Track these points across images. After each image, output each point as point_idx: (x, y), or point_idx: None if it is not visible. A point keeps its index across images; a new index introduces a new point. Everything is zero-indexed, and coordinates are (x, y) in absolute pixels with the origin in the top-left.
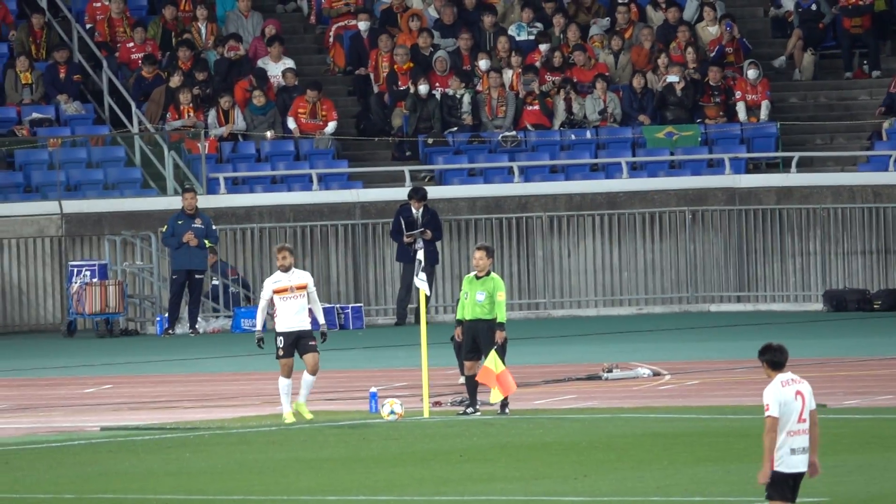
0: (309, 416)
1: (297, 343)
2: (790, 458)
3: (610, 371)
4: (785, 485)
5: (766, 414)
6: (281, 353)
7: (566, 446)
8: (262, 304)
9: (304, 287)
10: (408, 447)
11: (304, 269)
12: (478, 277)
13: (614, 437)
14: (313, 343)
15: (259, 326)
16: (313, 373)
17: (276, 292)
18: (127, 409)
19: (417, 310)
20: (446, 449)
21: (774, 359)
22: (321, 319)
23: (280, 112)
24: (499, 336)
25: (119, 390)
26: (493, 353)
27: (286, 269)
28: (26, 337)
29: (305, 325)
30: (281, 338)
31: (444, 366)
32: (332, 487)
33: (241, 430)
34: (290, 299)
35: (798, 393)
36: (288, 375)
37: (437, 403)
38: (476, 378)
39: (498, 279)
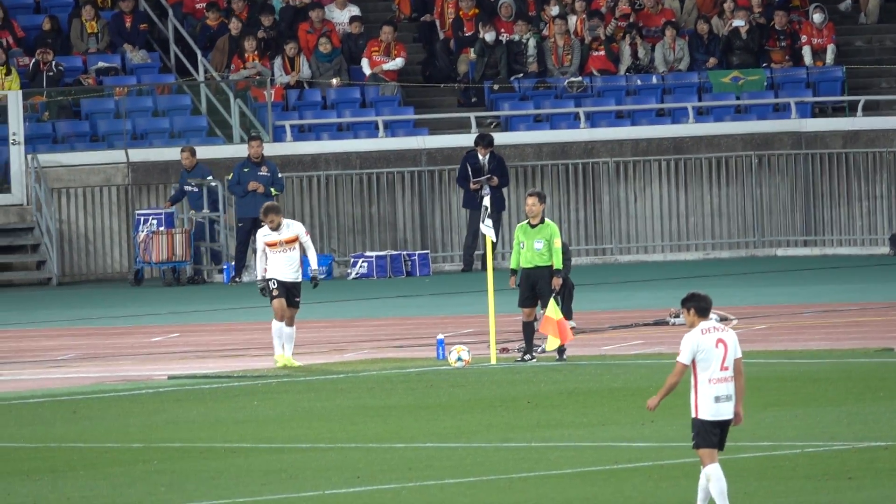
0: (298, 364)
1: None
2: (714, 405)
3: (677, 316)
4: (711, 433)
5: (677, 359)
6: (275, 293)
7: (633, 392)
8: (259, 254)
9: (295, 240)
10: (475, 394)
11: (370, 217)
12: (532, 225)
13: (681, 383)
14: (297, 300)
15: (260, 276)
16: (291, 325)
17: (267, 245)
18: (194, 357)
19: (484, 256)
20: (513, 395)
21: (700, 305)
22: (314, 265)
23: (345, 60)
24: (555, 282)
25: (186, 339)
26: (552, 301)
27: (276, 229)
28: (93, 286)
29: (294, 277)
30: (274, 281)
31: (510, 312)
32: (400, 435)
33: (308, 378)
34: (280, 253)
35: (720, 341)
36: (281, 318)
37: (504, 350)
38: (540, 328)
39: (553, 226)
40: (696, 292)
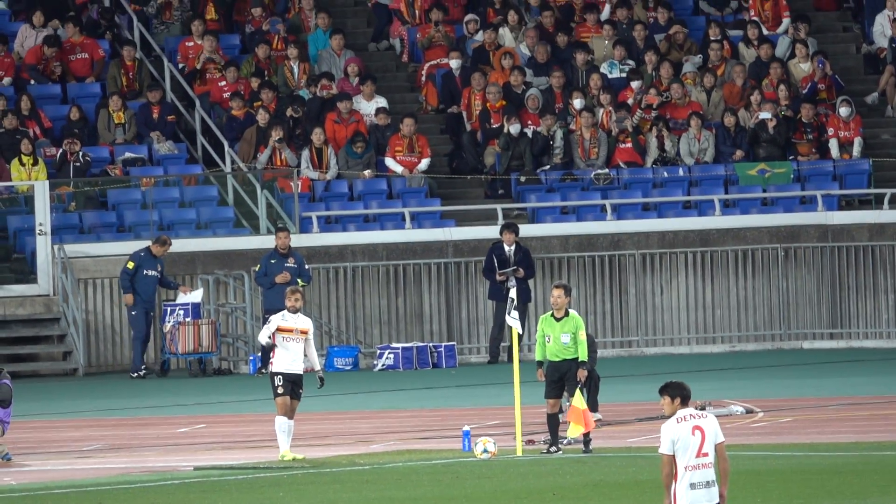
0: (301, 457)
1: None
2: (690, 492)
3: (703, 409)
4: None
5: (659, 451)
6: (280, 391)
7: (658, 485)
8: (265, 333)
9: (307, 332)
10: (501, 486)
11: (396, 308)
12: (556, 318)
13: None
14: (301, 391)
15: (265, 341)
16: (291, 418)
17: (280, 330)
18: (220, 448)
19: (510, 348)
20: (539, 487)
21: (676, 394)
22: (317, 365)
23: (374, 150)
24: (580, 374)
25: (212, 429)
26: (578, 391)
27: (295, 311)
28: (120, 377)
29: (300, 370)
30: (280, 377)
31: (536, 404)
32: None
33: (334, 470)
34: (291, 341)
35: (696, 428)
36: (284, 413)
37: (530, 442)
38: (567, 417)
39: (578, 318)
40: (671, 381)
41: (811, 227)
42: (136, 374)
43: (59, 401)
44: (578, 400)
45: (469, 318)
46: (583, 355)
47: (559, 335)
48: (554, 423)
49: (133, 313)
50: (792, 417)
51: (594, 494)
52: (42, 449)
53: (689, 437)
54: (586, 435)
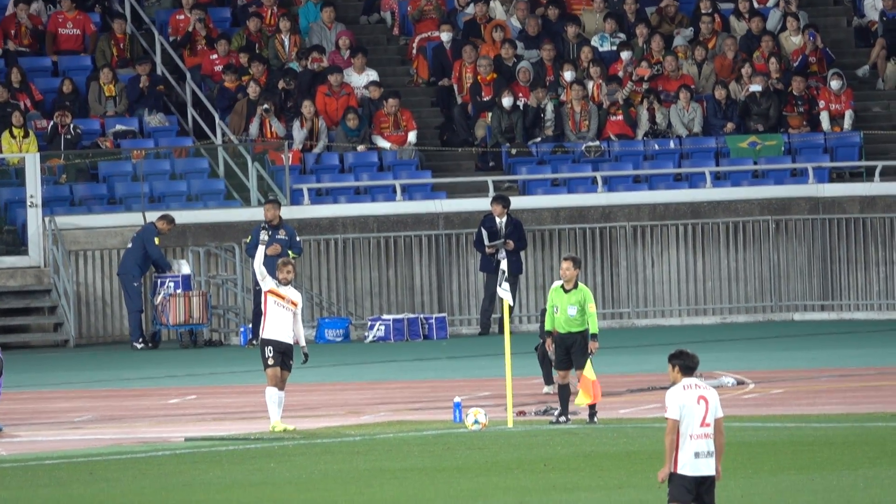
0: (292, 428)
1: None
2: (694, 461)
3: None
4: (687, 488)
5: (665, 415)
6: (270, 361)
7: (650, 455)
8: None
9: (297, 304)
10: (492, 457)
11: (387, 280)
12: (566, 290)
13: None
14: (291, 363)
15: (259, 265)
16: (282, 389)
17: (272, 293)
18: (211, 419)
19: (501, 320)
20: (530, 458)
21: (686, 363)
22: (302, 340)
23: (367, 123)
24: (592, 346)
25: (203, 401)
26: (588, 362)
27: (286, 284)
28: (110, 348)
29: (290, 340)
30: (270, 347)
31: (527, 375)
32: (417, 497)
33: (324, 441)
34: (283, 308)
35: (701, 398)
36: (274, 384)
37: (520, 413)
38: (579, 385)
39: (587, 290)
40: (683, 350)
41: (802, 199)
42: (140, 345)
43: (50, 372)
44: (589, 371)
45: (460, 290)
46: (593, 327)
47: (566, 307)
48: (564, 393)
49: (136, 284)
50: (783, 389)
51: (585, 465)
52: (33, 420)
53: (695, 405)
54: (592, 406)
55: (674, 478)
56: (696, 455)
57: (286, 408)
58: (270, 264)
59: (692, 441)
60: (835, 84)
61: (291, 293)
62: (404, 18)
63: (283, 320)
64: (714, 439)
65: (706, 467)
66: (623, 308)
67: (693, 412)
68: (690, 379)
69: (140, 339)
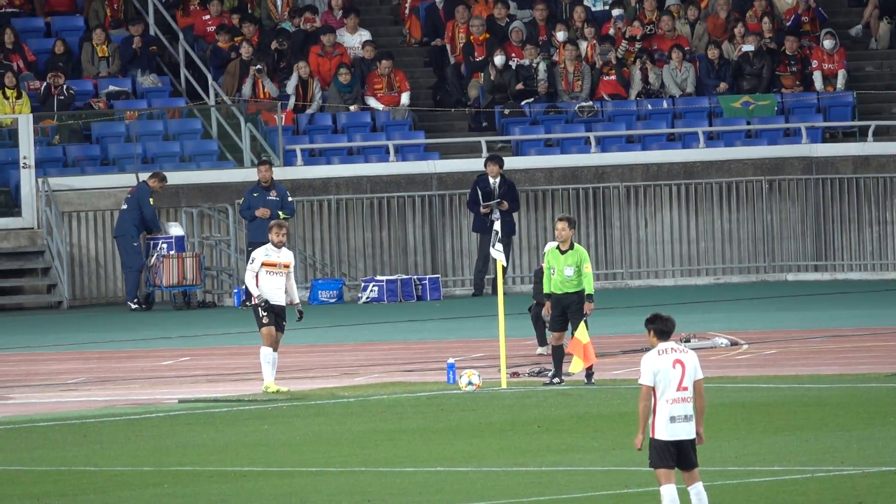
0: (285, 389)
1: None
2: (670, 425)
3: (687, 341)
4: (666, 452)
5: (639, 382)
6: (265, 321)
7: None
8: (252, 274)
9: (289, 266)
10: (485, 418)
11: (380, 241)
12: (561, 251)
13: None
14: (284, 323)
15: (257, 292)
16: (275, 349)
17: (264, 265)
18: (205, 381)
19: (494, 280)
20: (524, 420)
21: (660, 328)
22: (296, 298)
23: (359, 82)
24: (587, 308)
25: (197, 362)
26: (582, 324)
27: (280, 246)
28: (104, 310)
29: (283, 301)
30: (263, 308)
31: (521, 336)
32: (410, 458)
33: (319, 402)
34: (275, 275)
35: (677, 361)
36: (269, 344)
37: (514, 374)
38: (567, 349)
39: (583, 251)
40: (659, 314)
41: (795, 159)
42: (136, 305)
43: (44, 334)
44: (582, 333)
45: (453, 251)
46: (589, 288)
47: (563, 268)
48: (559, 354)
49: (135, 244)
50: (777, 350)
51: (579, 426)
52: (26, 382)
53: (670, 369)
54: (589, 368)
55: (653, 443)
56: (672, 419)
57: (280, 369)
58: (262, 226)
59: (669, 406)
60: (828, 43)
61: (284, 256)
62: None
63: (275, 283)
64: (694, 402)
65: (683, 431)
66: (616, 269)
67: (669, 377)
68: (666, 343)
69: (135, 300)
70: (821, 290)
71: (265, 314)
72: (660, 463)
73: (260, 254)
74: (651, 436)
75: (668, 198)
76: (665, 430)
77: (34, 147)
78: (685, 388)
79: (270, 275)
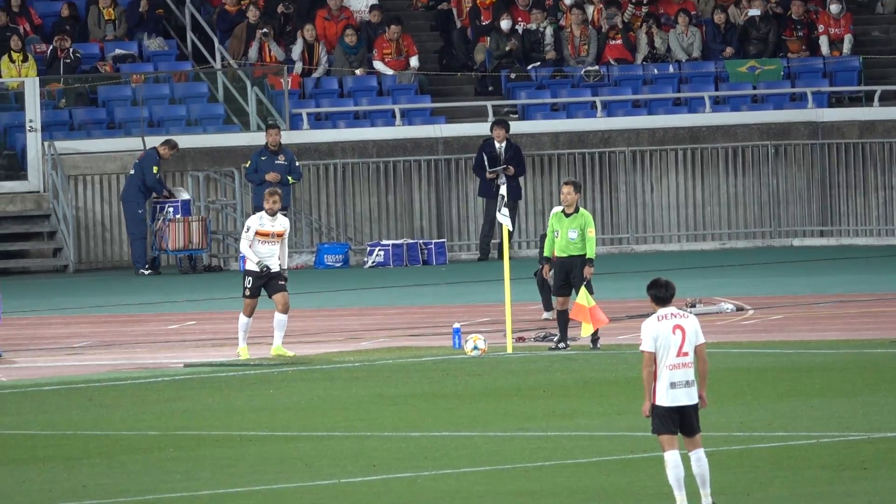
0: (291, 354)
1: (267, 283)
2: (670, 391)
3: (693, 306)
4: (668, 418)
5: (640, 348)
6: (248, 292)
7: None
8: (247, 242)
9: (283, 234)
10: (491, 383)
11: (386, 205)
12: (566, 214)
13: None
14: (283, 283)
15: (256, 259)
16: (285, 311)
17: (257, 234)
18: (210, 345)
19: (500, 245)
20: (529, 384)
21: (658, 294)
22: (285, 264)
23: (365, 46)
24: (587, 271)
25: (202, 327)
26: (583, 289)
27: (273, 214)
28: (110, 273)
29: (276, 266)
30: (250, 278)
31: (527, 301)
32: (416, 423)
33: (323, 367)
34: (267, 243)
35: (677, 327)
36: (249, 315)
37: (520, 339)
38: (570, 315)
39: (588, 215)
40: (658, 279)
41: (801, 124)
42: (147, 271)
43: (49, 297)
44: (583, 297)
45: (459, 216)
46: (590, 252)
47: (567, 230)
48: (563, 319)
49: (140, 211)
50: (782, 315)
51: (584, 391)
52: (32, 346)
53: (670, 335)
54: (595, 332)
55: (655, 409)
56: (673, 385)
57: (286, 333)
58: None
59: (669, 371)
60: (834, 8)
61: (277, 225)
62: None
63: (265, 253)
64: (696, 366)
65: (685, 397)
66: (622, 233)
67: (669, 342)
68: (666, 308)
69: (146, 266)
70: (826, 256)
71: (249, 286)
72: (662, 429)
73: (254, 222)
74: (652, 402)
75: (674, 162)
76: (666, 396)
77: (40, 110)
78: (685, 354)
79: (263, 243)
